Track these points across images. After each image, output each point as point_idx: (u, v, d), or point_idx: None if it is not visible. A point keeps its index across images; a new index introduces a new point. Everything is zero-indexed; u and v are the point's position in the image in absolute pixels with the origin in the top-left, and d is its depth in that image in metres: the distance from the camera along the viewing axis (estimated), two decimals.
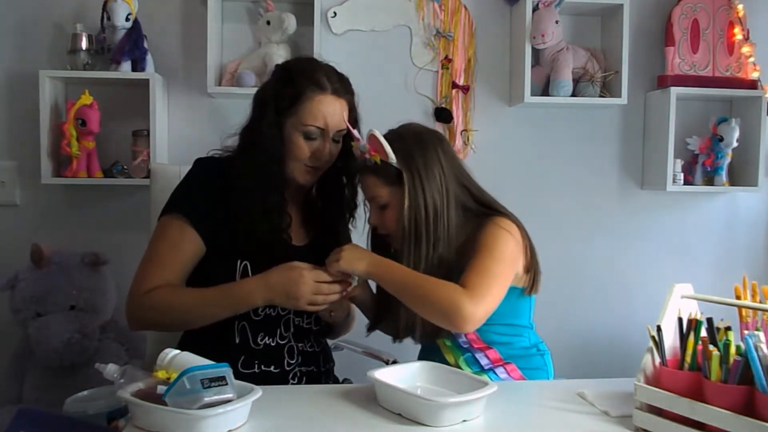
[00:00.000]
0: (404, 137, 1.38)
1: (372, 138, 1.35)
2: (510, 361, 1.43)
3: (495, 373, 1.41)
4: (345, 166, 1.45)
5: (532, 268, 1.42)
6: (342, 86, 1.38)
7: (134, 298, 1.32)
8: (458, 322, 1.23)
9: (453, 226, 1.37)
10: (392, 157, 1.34)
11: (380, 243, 1.47)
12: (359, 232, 1.54)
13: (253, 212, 1.33)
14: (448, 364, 1.36)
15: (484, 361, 1.41)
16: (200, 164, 1.41)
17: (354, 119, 1.42)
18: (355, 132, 1.38)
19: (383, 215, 1.40)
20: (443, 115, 2.24)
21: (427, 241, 1.34)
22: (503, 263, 1.32)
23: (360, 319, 1.60)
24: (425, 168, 1.36)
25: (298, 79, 1.35)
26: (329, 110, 1.34)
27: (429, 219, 1.34)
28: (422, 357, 1.52)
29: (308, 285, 1.25)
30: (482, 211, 1.42)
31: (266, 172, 1.34)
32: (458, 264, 1.34)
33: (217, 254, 1.35)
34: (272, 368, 1.37)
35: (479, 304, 1.22)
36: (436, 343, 1.44)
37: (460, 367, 1.38)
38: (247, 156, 1.36)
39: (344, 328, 1.59)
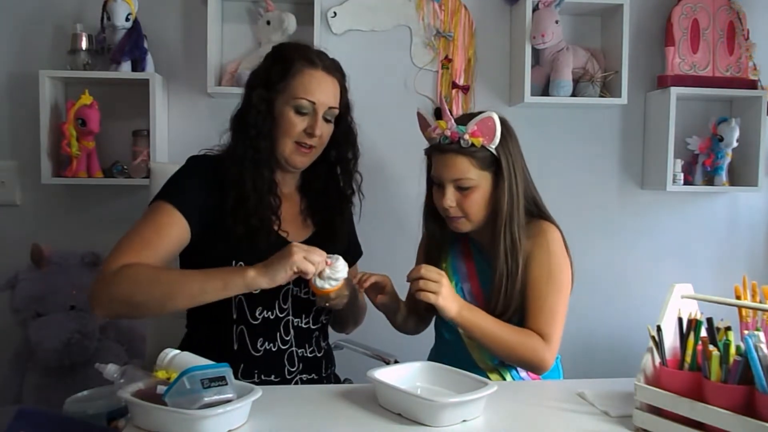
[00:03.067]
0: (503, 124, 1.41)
1: (487, 121, 1.36)
2: None
3: (517, 371, 1.43)
4: (339, 155, 1.45)
5: (572, 272, 1.47)
6: (333, 66, 1.39)
7: (109, 269, 1.22)
8: (539, 372, 1.38)
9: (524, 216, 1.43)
10: (496, 143, 1.38)
11: (435, 224, 1.50)
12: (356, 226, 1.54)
13: (243, 188, 1.31)
14: (463, 360, 1.36)
15: None
16: (193, 160, 1.40)
17: (346, 102, 1.43)
18: (446, 109, 1.40)
19: (465, 198, 1.40)
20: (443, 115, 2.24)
21: (518, 229, 1.39)
22: (565, 293, 1.42)
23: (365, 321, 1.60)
24: (515, 157, 1.42)
25: (288, 55, 1.36)
26: (321, 84, 1.35)
27: (519, 207, 1.40)
28: (435, 354, 1.53)
29: (298, 253, 1.18)
30: (533, 212, 1.47)
31: (255, 147, 1.33)
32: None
33: (211, 254, 1.32)
34: (273, 377, 1.35)
35: (554, 349, 1.37)
36: (460, 338, 1.45)
37: (484, 362, 1.42)
38: (237, 135, 1.36)
39: (352, 321, 1.55)
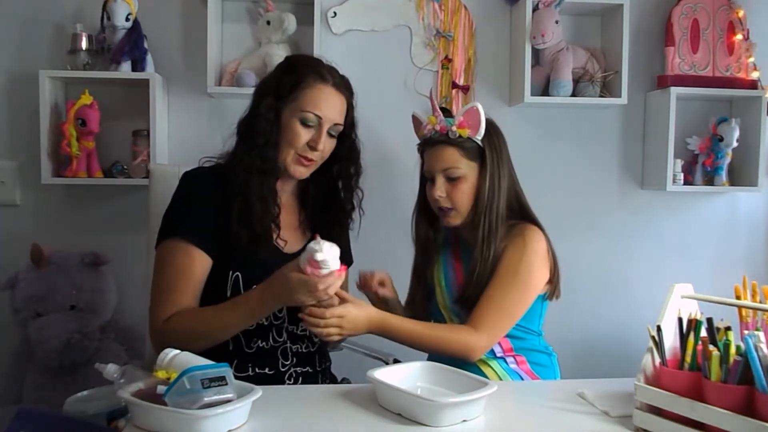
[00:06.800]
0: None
1: (473, 111, 1.43)
2: (520, 353, 1.45)
3: (506, 362, 1.45)
4: (341, 170, 1.47)
5: (554, 277, 1.48)
6: (343, 83, 1.41)
7: (154, 329, 1.31)
8: (470, 359, 1.38)
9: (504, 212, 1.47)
10: (481, 134, 1.44)
11: (428, 225, 1.55)
12: (354, 235, 1.54)
13: (249, 195, 1.33)
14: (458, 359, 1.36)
15: (497, 349, 1.45)
16: (187, 179, 1.40)
17: (351, 120, 1.44)
18: (435, 104, 1.48)
19: (453, 188, 1.45)
20: (443, 115, 2.24)
21: (496, 218, 1.44)
22: (524, 290, 1.41)
23: None
24: (500, 152, 1.48)
25: (300, 67, 1.39)
26: (329, 100, 1.37)
27: (500, 199, 1.45)
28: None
29: (305, 291, 1.19)
30: (515, 210, 1.50)
31: (264, 155, 1.35)
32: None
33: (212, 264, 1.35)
34: (266, 370, 1.36)
35: (490, 339, 1.38)
36: None
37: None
38: (245, 142, 1.37)
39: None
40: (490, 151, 1.46)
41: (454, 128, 1.44)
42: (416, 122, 1.54)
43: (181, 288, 1.31)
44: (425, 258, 1.57)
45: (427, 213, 1.54)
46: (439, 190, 1.45)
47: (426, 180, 1.52)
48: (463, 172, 1.44)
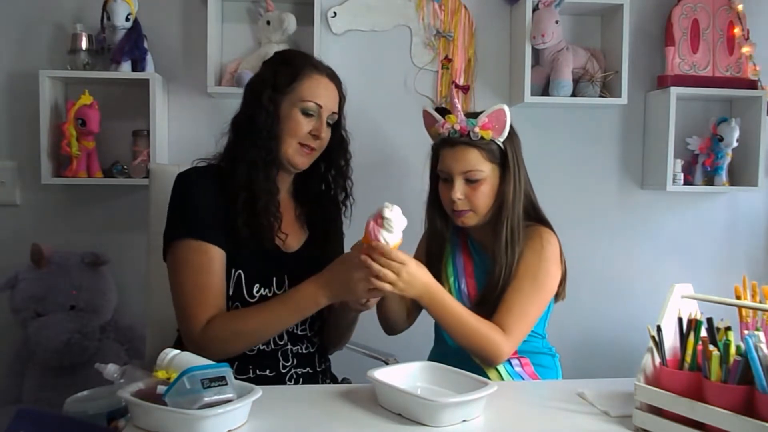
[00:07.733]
0: None
1: (499, 113, 1.40)
2: (524, 356, 1.45)
3: (510, 365, 1.44)
4: (333, 162, 1.47)
5: (563, 279, 1.48)
6: (334, 74, 1.44)
7: (193, 336, 1.28)
8: (495, 362, 1.38)
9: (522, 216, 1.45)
10: (504, 136, 1.42)
11: (440, 220, 1.52)
12: (347, 225, 1.55)
13: (253, 188, 1.33)
14: (464, 361, 1.36)
15: None
16: (183, 179, 1.38)
17: (342, 112, 1.46)
18: (456, 104, 1.45)
19: (473, 190, 1.42)
20: (443, 115, 2.24)
21: (518, 222, 1.43)
22: (543, 294, 1.42)
23: (361, 321, 1.60)
24: (519, 154, 1.46)
25: (295, 60, 1.41)
26: (327, 89, 1.39)
27: (520, 202, 1.44)
28: (434, 355, 1.53)
29: (361, 276, 1.22)
30: (531, 214, 1.49)
31: (267, 148, 1.35)
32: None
33: None
34: (267, 372, 1.36)
35: (513, 345, 1.37)
36: None
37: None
38: (245, 137, 1.36)
39: (343, 339, 1.56)
40: (512, 154, 1.43)
41: (476, 129, 1.40)
42: (428, 118, 1.50)
43: (207, 287, 1.29)
44: (438, 250, 1.54)
45: (440, 208, 1.51)
46: (458, 192, 1.41)
47: (437, 177, 1.49)
48: (485, 174, 1.41)
